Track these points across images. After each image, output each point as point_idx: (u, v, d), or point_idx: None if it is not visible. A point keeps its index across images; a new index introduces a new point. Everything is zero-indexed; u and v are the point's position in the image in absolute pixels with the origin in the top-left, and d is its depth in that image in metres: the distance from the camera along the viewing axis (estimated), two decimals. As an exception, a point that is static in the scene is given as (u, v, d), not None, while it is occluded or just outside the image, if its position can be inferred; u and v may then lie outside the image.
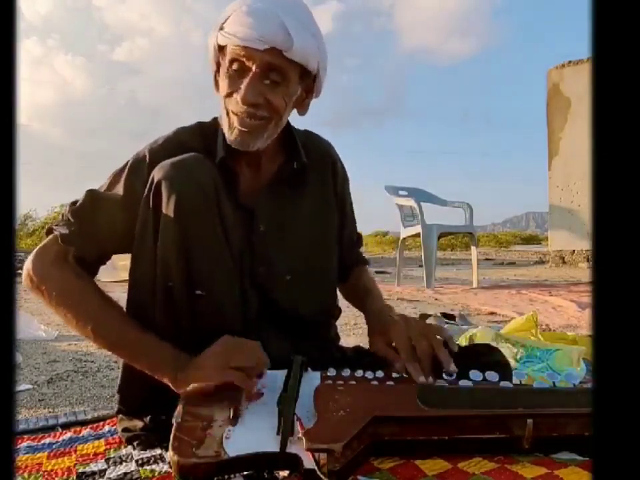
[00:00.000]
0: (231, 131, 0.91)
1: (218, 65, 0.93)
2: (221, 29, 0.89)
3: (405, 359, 0.88)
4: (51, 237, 0.93)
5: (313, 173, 1.04)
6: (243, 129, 0.90)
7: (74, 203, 0.93)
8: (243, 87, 0.87)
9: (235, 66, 0.88)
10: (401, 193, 4.71)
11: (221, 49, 0.91)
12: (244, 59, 0.87)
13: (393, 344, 0.91)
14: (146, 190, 0.86)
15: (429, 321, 2.00)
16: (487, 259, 9.50)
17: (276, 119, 0.92)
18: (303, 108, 0.99)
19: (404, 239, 4.78)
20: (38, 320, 2.53)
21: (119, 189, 0.92)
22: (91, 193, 0.93)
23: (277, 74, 0.88)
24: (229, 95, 0.90)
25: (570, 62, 6.86)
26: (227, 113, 0.91)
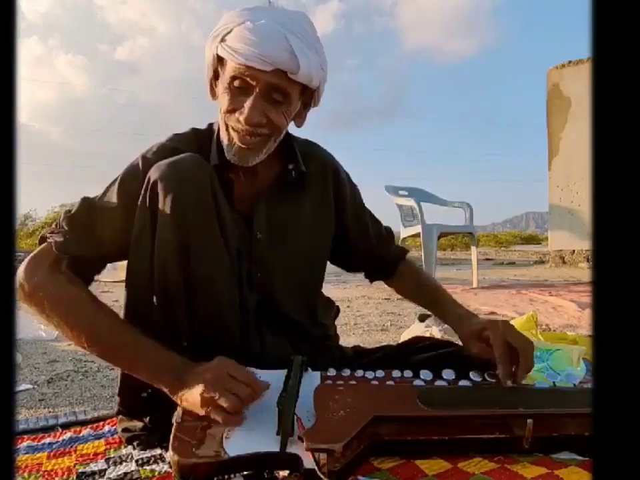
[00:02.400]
0: (230, 147, 0.91)
1: (215, 72, 0.93)
2: (222, 40, 0.87)
3: (498, 359, 0.87)
4: (44, 245, 0.91)
5: (311, 181, 1.04)
6: (243, 145, 0.90)
7: (68, 211, 0.91)
8: (246, 107, 0.86)
9: (236, 83, 0.87)
10: (400, 192, 4.71)
11: (220, 59, 0.89)
12: (247, 78, 0.86)
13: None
14: (142, 190, 0.85)
15: (428, 321, 1.99)
16: (486, 259, 9.50)
17: (276, 135, 0.92)
18: (300, 120, 0.99)
19: (404, 238, 4.77)
20: (38, 320, 2.53)
21: (114, 196, 0.91)
22: (86, 201, 0.92)
23: (279, 94, 0.88)
24: (231, 111, 0.89)
25: (570, 62, 6.85)
26: (227, 128, 0.91)
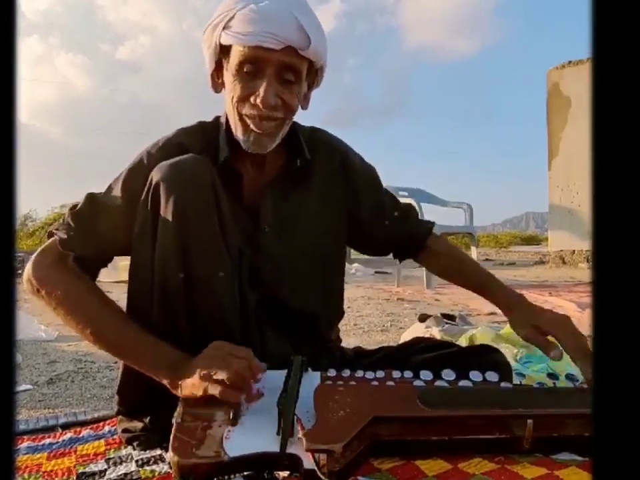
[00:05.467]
0: (247, 135, 0.90)
1: (218, 63, 0.91)
2: (225, 27, 0.85)
3: (576, 357, 0.87)
4: (50, 240, 0.92)
5: (318, 169, 1.02)
6: (260, 131, 0.89)
7: (74, 207, 0.92)
8: (262, 90, 0.85)
9: (247, 68, 0.86)
10: (401, 193, 4.71)
11: (224, 48, 0.88)
12: (258, 60, 0.85)
13: (549, 336, 0.91)
14: (144, 191, 0.85)
15: (428, 321, 1.99)
16: (487, 259, 9.49)
17: (289, 117, 0.91)
18: (305, 102, 0.97)
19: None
20: (38, 320, 2.53)
21: (118, 193, 0.91)
22: (91, 197, 0.93)
23: (291, 73, 0.87)
24: (244, 99, 0.87)
25: (570, 62, 6.86)
26: (240, 118, 0.89)
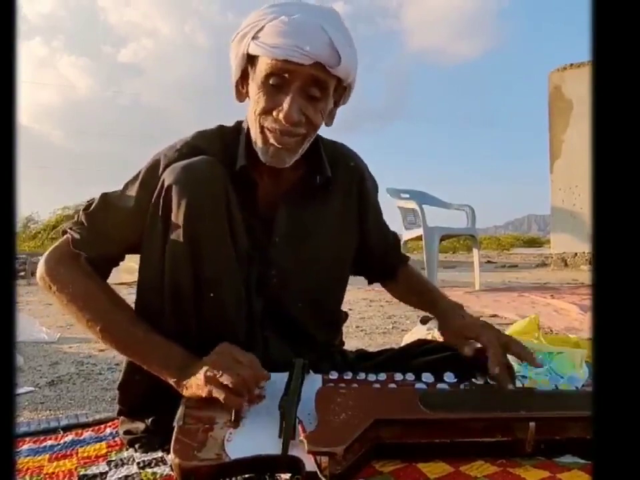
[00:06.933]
0: (266, 149, 0.89)
1: (244, 72, 0.90)
2: (254, 37, 0.84)
3: (497, 366, 0.87)
4: (64, 238, 0.93)
5: (337, 187, 1.01)
6: (280, 146, 0.87)
7: (87, 207, 0.93)
8: (285, 105, 0.84)
9: (273, 80, 0.84)
10: (403, 195, 4.70)
11: (251, 58, 0.87)
12: (285, 74, 0.83)
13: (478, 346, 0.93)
14: (156, 192, 0.85)
15: (430, 323, 1.99)
16: (488, 262, 9.47)
17: (311, 134, 0.90)
18: (330, 118, 0.95)
19: (406, 241, 4.77)
20: (40, 322, 2.53)
21: (133, 193, 0.90)
22: (105, 197, 0.93)
23: (317, 89, 0.85)
24: (267, 112, 0.86)
25: (572, 64, 6.85)
26: (262, 130, 0.88)
